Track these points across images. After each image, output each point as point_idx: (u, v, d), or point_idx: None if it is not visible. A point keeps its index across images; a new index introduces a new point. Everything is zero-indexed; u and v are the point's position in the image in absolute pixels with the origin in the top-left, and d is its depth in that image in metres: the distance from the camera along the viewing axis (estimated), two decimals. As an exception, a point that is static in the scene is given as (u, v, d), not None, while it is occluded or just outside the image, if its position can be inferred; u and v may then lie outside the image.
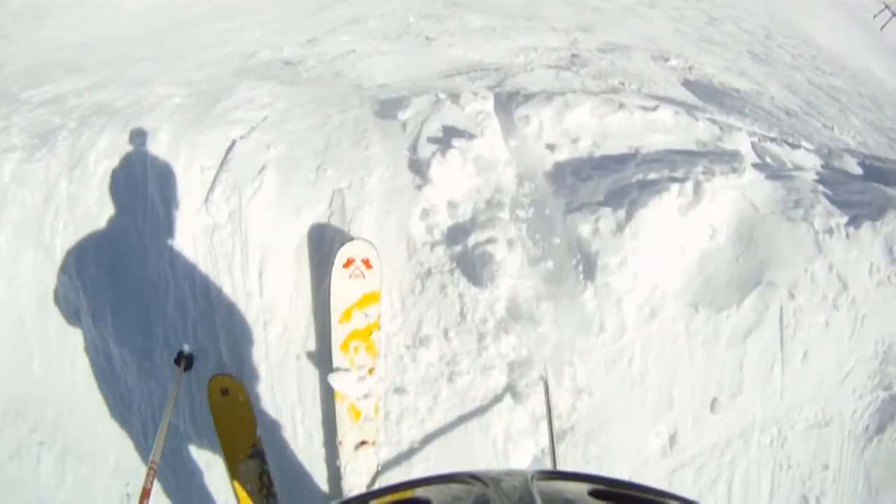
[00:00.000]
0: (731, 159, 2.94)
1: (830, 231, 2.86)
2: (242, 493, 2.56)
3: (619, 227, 2.30)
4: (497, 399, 2.39)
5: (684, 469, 2.60)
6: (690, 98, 5.38)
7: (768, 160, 3.45)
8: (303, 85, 3.87)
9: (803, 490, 2.86)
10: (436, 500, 0.85)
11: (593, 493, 0.81)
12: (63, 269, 3.25)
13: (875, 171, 4.02)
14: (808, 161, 3.61)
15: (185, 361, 2.70)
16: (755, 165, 3.25)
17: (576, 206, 2.39)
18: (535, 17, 6.23)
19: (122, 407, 3.13)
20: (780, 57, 7.86)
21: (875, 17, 12.98)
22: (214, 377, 2.56)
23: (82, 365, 3.26)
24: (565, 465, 2.42)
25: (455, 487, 0.88)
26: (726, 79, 6.29)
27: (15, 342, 3.35)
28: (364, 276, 2.28)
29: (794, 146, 3.79)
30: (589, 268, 2.30)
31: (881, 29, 12.48)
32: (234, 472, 2.57)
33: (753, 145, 3.46)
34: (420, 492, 0.90)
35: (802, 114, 6.65)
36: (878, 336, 2.93)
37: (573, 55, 5.43)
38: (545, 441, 2.42)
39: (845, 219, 2.97)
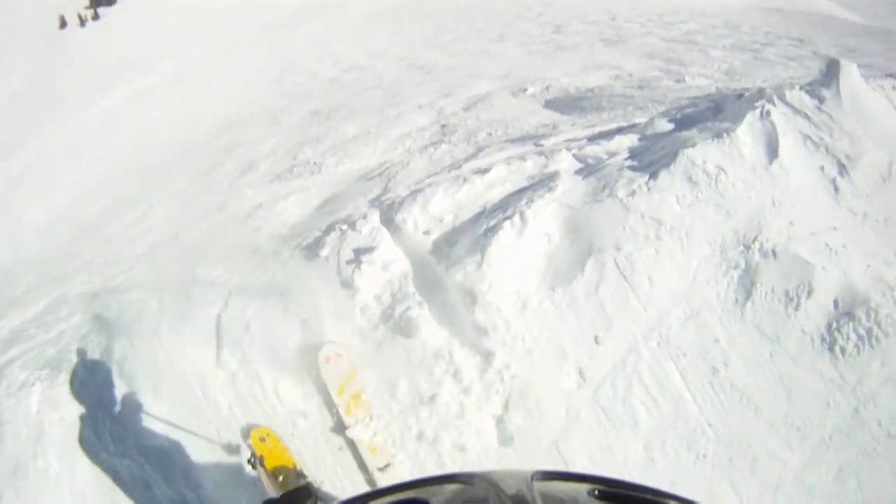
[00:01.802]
0: (549, 181, 5.29)
1: (633, 193, 5.13)
2: None
3: (479, 265, 4.59)
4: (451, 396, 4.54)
5: (603, 389, 4.65)
6: (553, 117, 7.84)
7: (589, 161, 5.84)
8: (239, 253, 6.17)
9: (708, 363, 4.61)
10: (435, 501, 1.04)
11: (593, 494, 1.00)
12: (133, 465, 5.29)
13: (685, 120, 6.36)
14: (622, 144, 6.02)
15: None
16: (577, 172, 5.61)
17: (451, 264, 4.69)
18: (400, 102, 8.80)
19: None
20: (631, 31, 10.52)
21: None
22: (255, 429, 4.55)
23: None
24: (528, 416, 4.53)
25: (455, 488, 1.07)
26: (581, 82, 8.84)
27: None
28: (340, 364, 4.46)
29: (610, 137, 6.20)
30: (472, 297, 4.56)
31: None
32: None
33: (575, 156, 5.86)
34: (420, 492, 1.09)
35: (659, 76, 9.11)
36: (709, 238, 4.96)
37: (442, 126, 7.94)
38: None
39: (645, 177, 5.23)
